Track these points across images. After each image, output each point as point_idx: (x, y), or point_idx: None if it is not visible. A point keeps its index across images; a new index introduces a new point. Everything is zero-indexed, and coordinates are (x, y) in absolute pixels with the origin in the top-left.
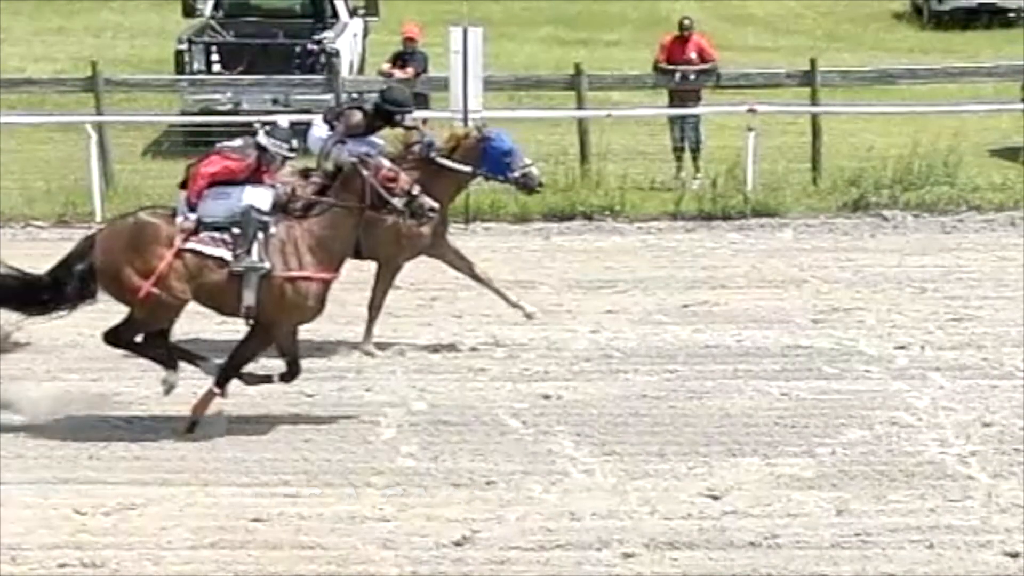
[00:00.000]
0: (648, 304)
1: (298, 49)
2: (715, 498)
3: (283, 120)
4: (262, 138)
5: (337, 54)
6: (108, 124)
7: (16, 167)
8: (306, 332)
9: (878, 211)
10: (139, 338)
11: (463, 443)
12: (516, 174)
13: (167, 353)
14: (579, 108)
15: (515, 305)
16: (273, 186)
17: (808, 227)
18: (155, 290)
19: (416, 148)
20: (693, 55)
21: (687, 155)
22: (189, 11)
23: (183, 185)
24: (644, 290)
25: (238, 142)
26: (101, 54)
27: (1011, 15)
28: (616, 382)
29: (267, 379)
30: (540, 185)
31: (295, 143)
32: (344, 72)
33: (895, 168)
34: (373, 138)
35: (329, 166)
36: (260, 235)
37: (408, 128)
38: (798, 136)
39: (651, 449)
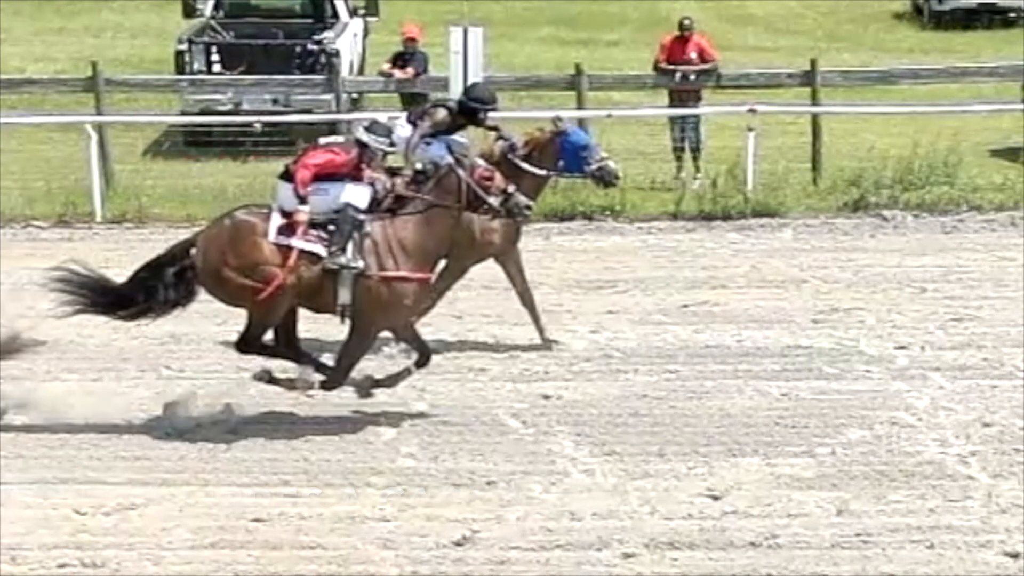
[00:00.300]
0: (648, 304)
1: (298, 49)
2: (715, 498)
3: (382, 116)
4: (362, 134)
5: (337, 54)
6: (108, 124)
7: (16, 167)
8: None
9: (878, 211)
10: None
11: (463, 443)
12: (593, 167)
13: (299, 352)
14: (579, 108)
15: (545, 339)
16: (371, 184)
17: (808, 227)
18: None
19: (497, 148)
20: (693, 55)
21: (687, 155)
22: (189, 11)
23: (285, 176)
24: (644, 290)
25: (339, 138)
26: (101, 54)
27: (1011, 15)
28: (616, 382)
29: (406, 373)
30: (617, 178)
31: (394, 138)
32: (344, 72)
33: (895, 168)
34: (457, 136)
35: (418, 165)
36: (355, 233)
37: (490, 127)
38: (798, 136)
39: (651, 449)
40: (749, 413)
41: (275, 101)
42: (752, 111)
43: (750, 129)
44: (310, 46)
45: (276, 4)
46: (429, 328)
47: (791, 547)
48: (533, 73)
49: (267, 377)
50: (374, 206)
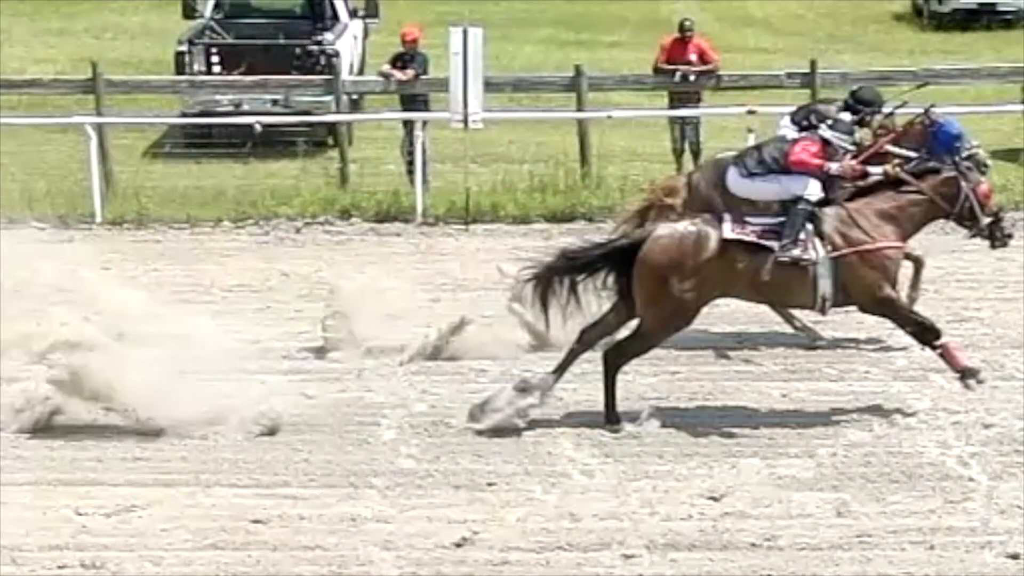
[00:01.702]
0: None
1: (298, 50)
2: (715, 499)
3: (845, 115)
4: (825, 131)
5: (337, 55)
6: (108, 125)
7: (16, 168)
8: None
9: None
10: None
11: (463, 444)
12: (964, 155)
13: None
14: (579, 110)
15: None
16: (828, 179)
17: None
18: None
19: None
20: (693, 57)
21: (687, 156)
22: (189, 12)
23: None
24: None
25: (801, 134)
26: (101, 55)
27: (1009, 16)
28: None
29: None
30: (986, 166)
31: (857, 137)
32: (344, 73)
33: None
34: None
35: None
36: (808, 226)
37: (874, 129)
38: None
39: (651, 450)
40: (749, 414)
41: (275, 102)
42: (751, 112)
43: (750, 131)
44: (310, 47)
45: (276, 5)
46: (430, 329)
47: (791, 548)
48: (533, 74)
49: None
50: (830, 197)
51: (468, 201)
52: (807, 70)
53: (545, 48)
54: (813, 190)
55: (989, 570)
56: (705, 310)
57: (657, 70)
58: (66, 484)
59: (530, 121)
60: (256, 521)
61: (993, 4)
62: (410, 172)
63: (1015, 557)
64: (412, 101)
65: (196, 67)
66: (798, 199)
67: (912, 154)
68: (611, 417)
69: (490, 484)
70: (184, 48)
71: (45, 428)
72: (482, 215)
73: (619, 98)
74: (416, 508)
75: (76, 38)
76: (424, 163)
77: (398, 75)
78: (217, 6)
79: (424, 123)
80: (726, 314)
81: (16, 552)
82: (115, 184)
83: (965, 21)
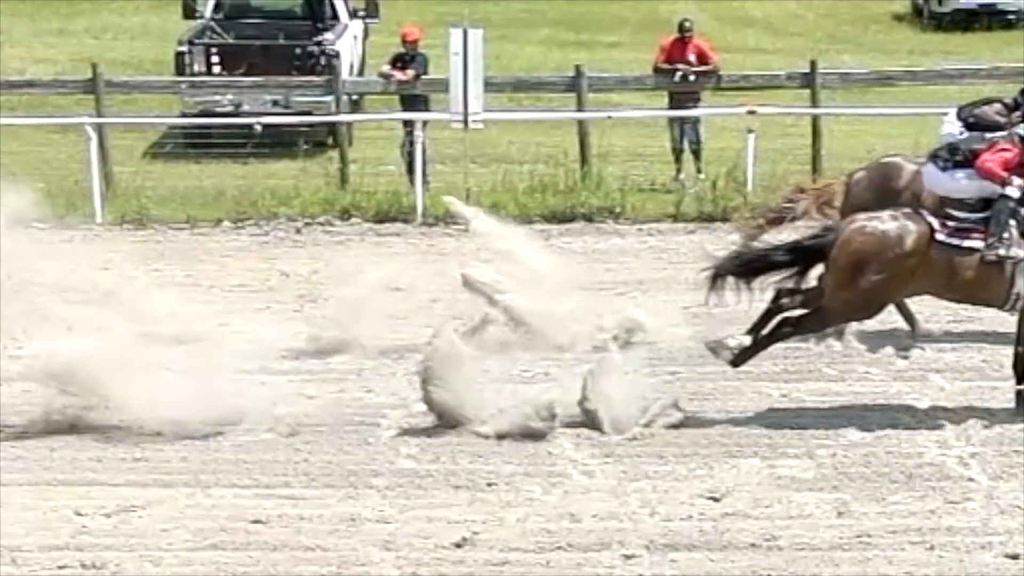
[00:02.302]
0: (648, 306)
1: (298, 51)
2: (715, 500)
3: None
4: (1022, 129)
5: (337, 56)
6: (108, 126)
7: (17, 168)
8: None
9: None
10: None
11: (463, 444)
12: None
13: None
14: (579, 110)
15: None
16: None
17: (808, 229)
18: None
19: None
20: (692, 57)
21: (687, 156)
22: (189, 13)
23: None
24: (645, 292)
25: (1000, 134)
26: (101, 55)
27: (1011, 17)
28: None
29: None
30: None
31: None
32: (344, 74)
33: None
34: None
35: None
36: (1012, 222)
37: None
38: (798, 138)
39: (651, 451)
40: (749, 415)
41: (275, 103)
42: (752, 112)
43: (750, 131)
44: (310, 48)
45: (276, 5)
46: (430, 331)
47: (791, 549)
48: (533, 74)
49: None
50: None
51: (468, 201)
52: (807, 70)
53: (545, 48)
54: (1014, 188)
55: (989, 570)
56: (704, 310)
57: (657, 70)
58: (66, 484)
59: (530, 121)
60: (256, 521)
61: (993, 4)
62: (410, 172)
63: (1015, 557)
64: (412, 101)
65: (196, 67)
66: (1000, 196)
67: None
68: (739, 363)
69: (490, 484)
70: (184, 48)
71: (47, 429)
72: None
73: (619, 98)
74: (416, 508)
75: (76, 38)
76: (424, 163)
77: (398, 75)
78: (217, 6)
79: (424, 123)
80: (726, 315)
81: (16, 552)
82: (115, 184)
83: (965, 21)
